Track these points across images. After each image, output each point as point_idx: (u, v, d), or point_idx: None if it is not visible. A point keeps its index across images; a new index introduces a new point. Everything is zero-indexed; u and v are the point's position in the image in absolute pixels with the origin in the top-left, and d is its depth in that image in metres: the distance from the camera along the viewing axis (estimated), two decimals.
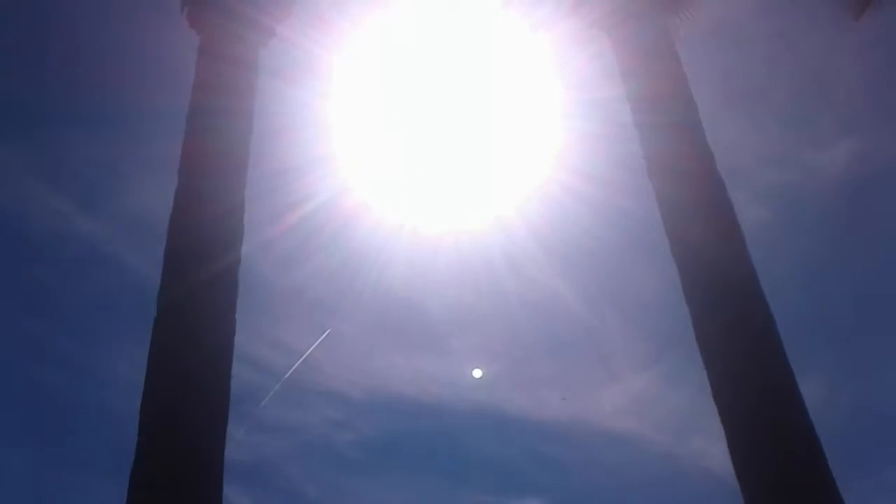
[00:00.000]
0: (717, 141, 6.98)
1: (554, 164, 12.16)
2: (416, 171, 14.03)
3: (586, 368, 24.09)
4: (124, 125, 15.67)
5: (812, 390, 5.43)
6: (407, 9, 11.20)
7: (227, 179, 6.19)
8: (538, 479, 24.76)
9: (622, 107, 7.44)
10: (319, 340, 13.29)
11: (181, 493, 4.75)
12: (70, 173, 17.91)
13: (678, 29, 7.53)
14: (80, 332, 20.73)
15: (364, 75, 11.83)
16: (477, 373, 20.29)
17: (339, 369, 21.23)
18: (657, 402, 23.80)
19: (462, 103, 12.57)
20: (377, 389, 23.34)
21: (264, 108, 7.13)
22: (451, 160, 13.68)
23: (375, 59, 11.48)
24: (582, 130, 10.14)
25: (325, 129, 11.58)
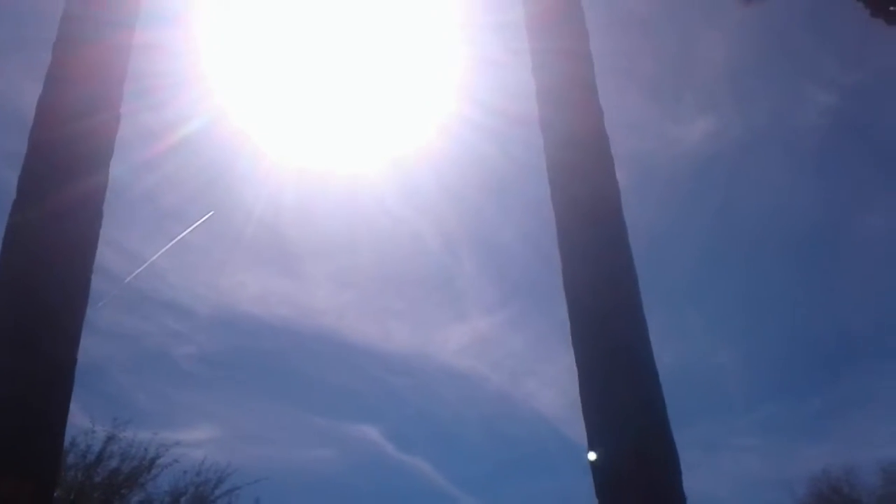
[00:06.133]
0: None
1: (443, 90, 12.06)
2: (299, 103, 13.71)
3: (437, 306, 24.78)
4: None
5: None
6: None
7: (103, 92, 5.83)
8: (376, 407, 25.45)
9: (519, 33, 7.34)
10: (200, 222, 12.74)
11: (30, 388, 4.56)
12: None
13: None
14: None
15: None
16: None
17: (184, 281, 20.71)
18: (498, 345, 24.92)
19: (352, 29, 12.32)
20: (223, 305, 22.98)
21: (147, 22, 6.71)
22: (331, 88, 13.44)
23: None
24: (476, 57, 10.07)
25: (212, 51, 11.07)
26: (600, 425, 5.36)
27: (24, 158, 5.48)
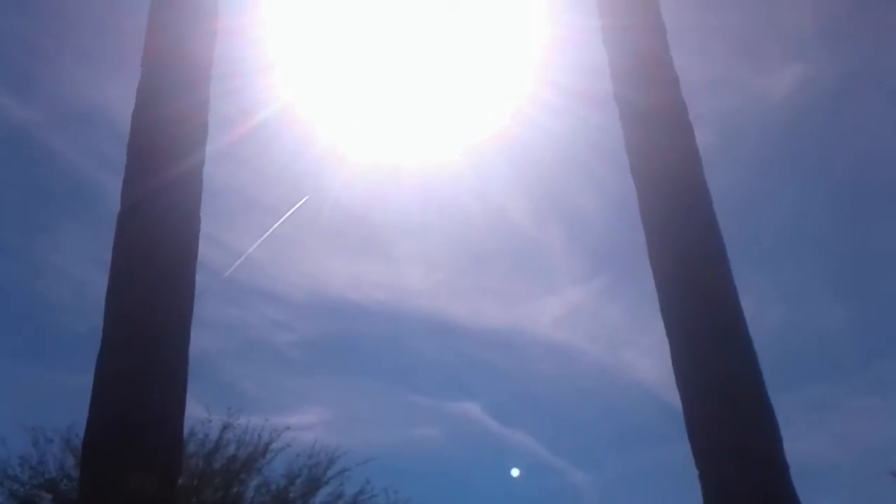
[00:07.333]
0: None
1: (516, 72, 11.96)
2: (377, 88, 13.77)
3: (527, 280, 24.68)
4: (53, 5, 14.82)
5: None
6: None
7: (193, 76, 6.06)
8: (475, 385, 25.64)
9: (591, 9, 7.33)
10: (295, 208, 12.97)
11: (148, 384, 4.83)
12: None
13: None
14: (12, 220, 20.19)
15: None
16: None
17: (280, 271, 21.28)
18: (593, 315, 24.63)
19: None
20: (318, 292, 23.52)
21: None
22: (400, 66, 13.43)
23: None
24: (548, 35, 9.94)
25: (285, 38, 11.22)
26: (694, 395, 5.38)
27: (128, 145, 5.77)
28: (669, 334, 5.67)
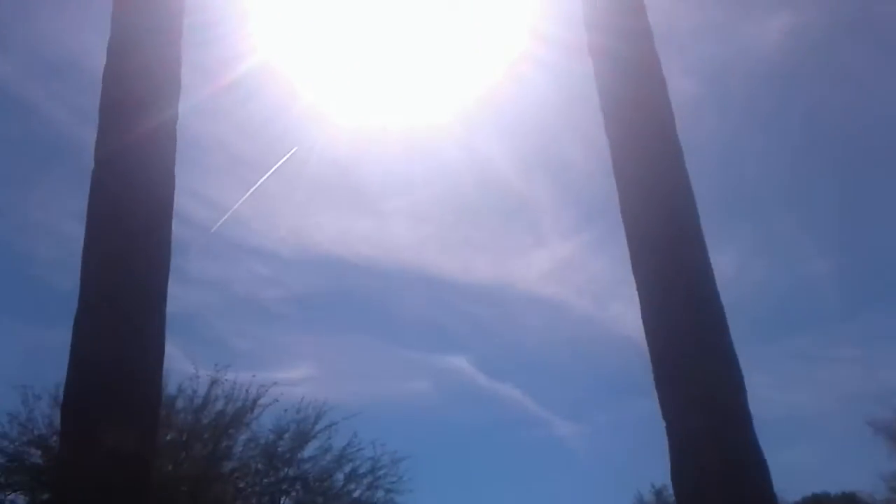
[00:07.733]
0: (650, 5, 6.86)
1: (503, 28, 11.83)
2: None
3: (515, 234, 24.68)
4: None
5: (724, 264, 5.77)
6: None
7: (164, 27, 5.96)
8: (464, 338, 25.81)
9: None
10: (282, 161, 12.75)
11: (125, 342, 4.86)
12: None
13: None
14: None
15: None
16: None
17: (267, 226, 21.18)
18: (580, 269, 24.74)
19: None
20: (306, 247, 23.50)
21: None
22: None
23: None
24: None
25: None
26: (662, 348, 5.48)
27: (101, 96, 5.68)
28: (639, 289, 5.77)
